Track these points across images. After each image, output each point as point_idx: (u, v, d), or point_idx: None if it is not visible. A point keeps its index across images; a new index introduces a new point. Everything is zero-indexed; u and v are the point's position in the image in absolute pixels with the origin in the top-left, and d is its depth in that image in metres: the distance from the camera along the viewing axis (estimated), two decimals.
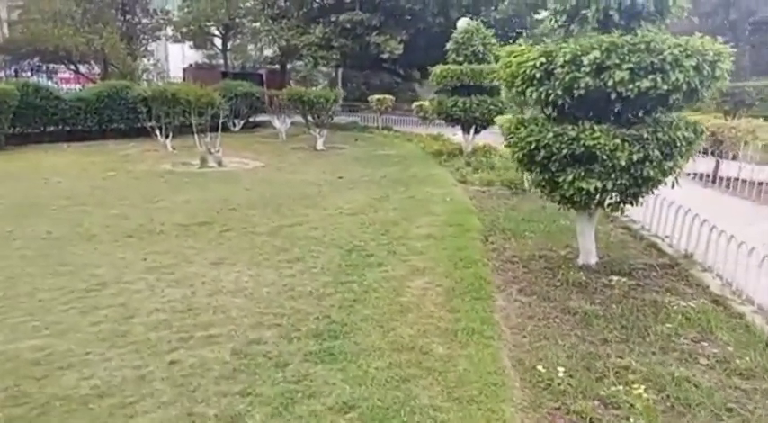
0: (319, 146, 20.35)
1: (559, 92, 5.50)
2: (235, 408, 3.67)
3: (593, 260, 6.63)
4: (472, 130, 16.19)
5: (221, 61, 40.39)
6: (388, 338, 4.60)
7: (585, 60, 5.19)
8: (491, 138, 16.86)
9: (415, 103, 22.27)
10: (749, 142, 11.46)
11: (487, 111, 15.34)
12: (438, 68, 15.79)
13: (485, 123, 15.84)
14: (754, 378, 4.11)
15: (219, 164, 15.51)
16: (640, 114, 5.84)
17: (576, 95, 5.41)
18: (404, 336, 4.65)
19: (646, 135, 5.42)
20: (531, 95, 5.73)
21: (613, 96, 5.33)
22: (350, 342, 4.54)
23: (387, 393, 3.77)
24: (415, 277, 6.10)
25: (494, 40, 15.93)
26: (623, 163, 5.42)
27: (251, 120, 26.33)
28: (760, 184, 10.41)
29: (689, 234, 6.92)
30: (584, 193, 5.74)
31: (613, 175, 5.58)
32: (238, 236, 7.97)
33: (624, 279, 6.10)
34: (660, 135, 5.46)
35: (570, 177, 5.70)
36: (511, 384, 3.98)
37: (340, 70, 39.22)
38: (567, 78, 5.37)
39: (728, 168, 11.76)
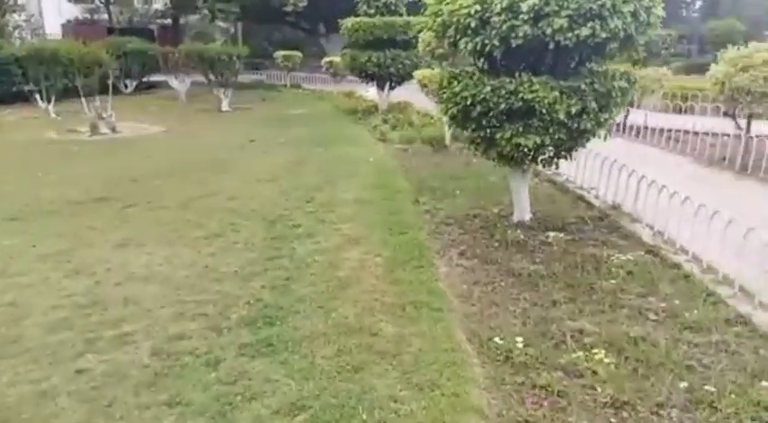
0: (224, 107, 19.14)
1: (496, 42, 5.14)
2: (162, 422, 3.12)
3: (527, 216, 6.49)
4: (387, 86, 15.70)
5: (105, 16, 36.75)
6: (331, 321, 4.16)
7: (524, 6, 4.83)
8: (405, 93, 16.48)
9: (325, 59, 21.38)
10: (655, 91, 11.83)
11: (402, 66, 14.88)
12: (349, 21, 15.04)
13: (400, 79, 15.41)
14: (703, 331, 4.09)
15: (113, 130, 14.09)
16: (573, 65, 5.63)
17: (513, 45, 5.07)
18: (348, 316, 4.23)
19: (583, 87, 5.22)
20: (465, 46, 5.33)
21: (551, 46, 5.04)
22: (289, 328, 4.06)
23: (339, 387, 3.35)
24: (350, 247, 5.66)
25: None
26: (562, 116, 5.20)
27: (145, 80, 24.28)
28: (668, 131, 10.80)
29: (616, 185, 6.96)
30: (521, 149, 5.50)
31: (551, 130, 5.37)
32: (144, 211, 7.12)
33: (561, 235, 6.00)
34: (597, 86, 5.28)
35: (508, 134, 5.42)
36: (470, 361, 3.70)
37: (240, 25, 37.04)
38: (504, 27, 5.01)
39: (635, 117, 12.14)
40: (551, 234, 6.05)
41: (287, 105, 19.40)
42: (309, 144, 11.81)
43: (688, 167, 9.29)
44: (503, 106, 5.29)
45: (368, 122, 14.33)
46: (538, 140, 5.36)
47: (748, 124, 8.94)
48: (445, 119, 6.29)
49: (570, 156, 6.04)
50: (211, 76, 18.99)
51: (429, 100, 11.35)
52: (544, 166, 6.25)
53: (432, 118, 13.99)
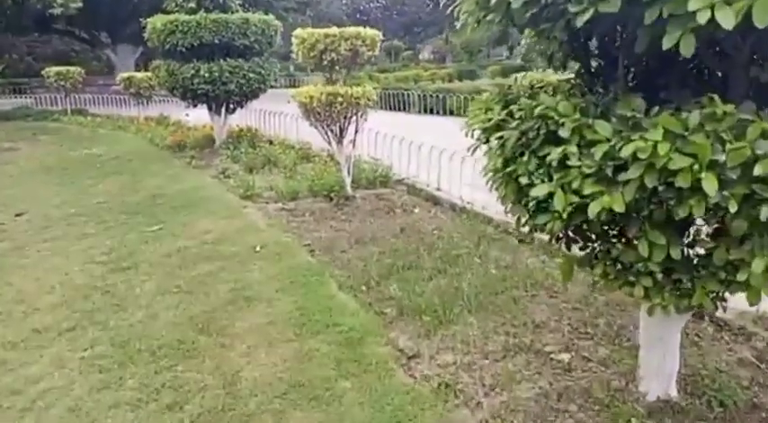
0: None
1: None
2: None
3: (674, 390, 3.13)
4: (224, 110, 11.37)
5: None
6: None
7: None
8: (237, 118, 12.17)
9: (122, 76, 15.97)
10: None
11: (246, 81, 10.69)
12: (158, 20, 10.41)
13: (242, 99, 11.20)
14: None
15: None
16: None
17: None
18: None
19: None
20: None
21: None
22: None
23: None
24: None
25: None
26: None
27: None
28: None
29: None
30: None
31: None
32: None
33: None
34: None
35: None
36: None
37: None
38: None
39: None
40: None
41: (73, 141, 13.82)
42: (128, 215, 7.19)
43: None
44: None
45: (208, 164, 9.92)
46: None
47: None
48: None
49: None
50: None
51: (317, 131, 7.49)
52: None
53: (297, 150, 10.13)
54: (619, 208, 2.08)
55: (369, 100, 7.10)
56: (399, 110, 18.32)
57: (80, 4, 20.08)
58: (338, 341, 3.73)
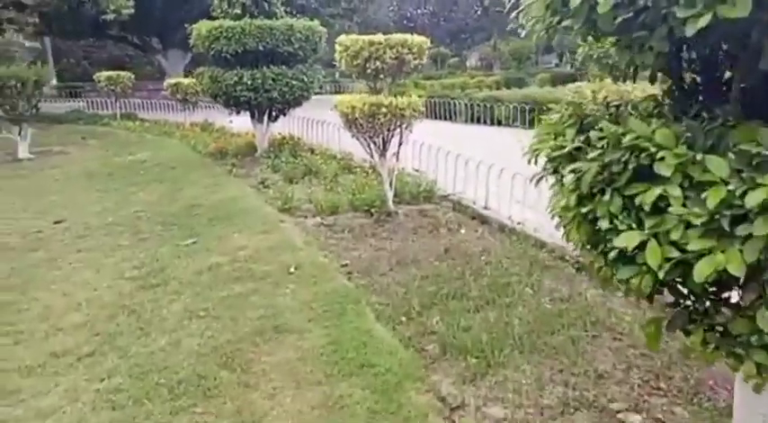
0: (23, 153, 13.46)
1: None
2: None
3: None
4: (266, 118, 11.19)
5: None
6: None
7: None
8: (279, 125, 11.94)
9: (168, 81, 16.14)
10: None
11: (289, 88, 10.48)
12: (203, 26, 10.32)
13: (285, 106, 11.00)
14: None
15: None
16: None
17: None
18: None
19: None
20: None
21: None
22: None
23: None
24: None
25: None
26: None
27: None
28: None
29: None
30: None
31: None
32: None
33: None
34: None
35: None
36: None
37: (48, 40, 29.83)
38: None
39: None
40: None
41: (119, 146, 13.96)
42: (162, 226, 7.01)
43: None
44: None
45: (248, 173, 9.72)
46: None
47: None
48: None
49: None
50: None
51: (359, 142, 7.16)
52: None
53: (338, 161, 9.83)
54: (736, 271, 1.61)
55: (414, 111, 6.69)
56: (445, 119, 17.87)
57: (132, 10, 20.46)
58: (373, 386, 3.32)
